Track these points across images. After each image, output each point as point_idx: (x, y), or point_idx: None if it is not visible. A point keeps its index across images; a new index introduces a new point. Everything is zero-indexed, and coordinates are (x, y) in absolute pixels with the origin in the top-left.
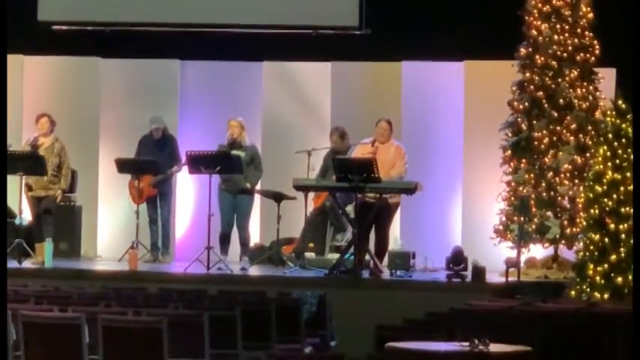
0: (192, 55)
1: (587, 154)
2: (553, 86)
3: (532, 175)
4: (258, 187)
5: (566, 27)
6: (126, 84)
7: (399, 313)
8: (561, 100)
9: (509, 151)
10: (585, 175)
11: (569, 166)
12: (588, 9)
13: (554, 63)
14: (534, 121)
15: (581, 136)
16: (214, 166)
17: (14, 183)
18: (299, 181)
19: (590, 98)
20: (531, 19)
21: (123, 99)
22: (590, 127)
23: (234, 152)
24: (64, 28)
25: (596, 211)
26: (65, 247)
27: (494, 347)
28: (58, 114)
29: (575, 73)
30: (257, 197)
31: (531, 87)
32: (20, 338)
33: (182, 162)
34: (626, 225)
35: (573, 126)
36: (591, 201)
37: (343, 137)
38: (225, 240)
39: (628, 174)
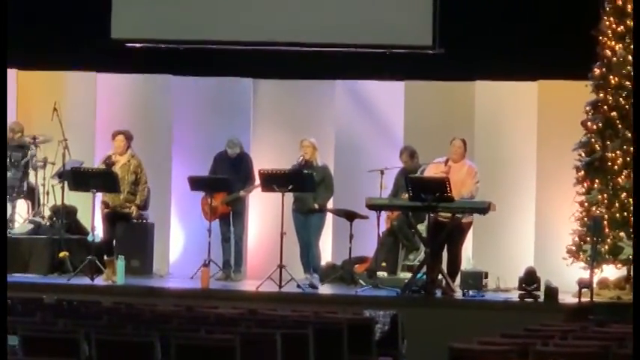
0: (265, 73)
1: None
2: (627, 106)
3: (605, 195)
4: (330, 205)
5: None
6: (198, 102)
7: (471, 333)
8: None
9: (582, 172)
10: None
11: None
12: None
13: (628, 83)
14: (608, 142)
15: None
16: (287, 185)
17: (87, 200)
18: (372, 200)
19: None
20: (605, 39)
21: (195, 117)
22: None
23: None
24: (137, 45)
25: None
26: (137, 264)
27: None
28: (131, 131)
29: None
30: (330, 216)
31: (605, 107)
32: (93, 355)
33: (256, 183)
34: None
35: None
36: None
37: (413, 156)
38: (304, 258)
39: None
